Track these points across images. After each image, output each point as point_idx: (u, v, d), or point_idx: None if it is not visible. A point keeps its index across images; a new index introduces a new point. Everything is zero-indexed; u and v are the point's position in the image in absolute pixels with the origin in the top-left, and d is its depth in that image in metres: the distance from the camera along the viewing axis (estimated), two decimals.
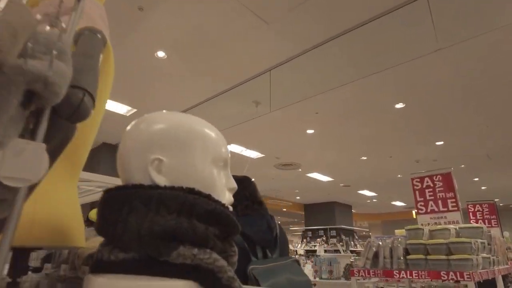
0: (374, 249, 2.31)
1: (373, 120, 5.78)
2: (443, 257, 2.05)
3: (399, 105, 5.19)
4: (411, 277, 2.05)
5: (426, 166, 8.47)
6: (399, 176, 9.87)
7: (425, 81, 4.48)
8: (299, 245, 14.26)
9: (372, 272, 2.28)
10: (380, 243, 2.30)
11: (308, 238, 14.24)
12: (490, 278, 2.24)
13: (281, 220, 21.54)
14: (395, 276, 2.13)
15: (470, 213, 7.13)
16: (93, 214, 2.42)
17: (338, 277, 5.55)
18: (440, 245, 2.10)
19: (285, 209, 14.94)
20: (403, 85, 4.63)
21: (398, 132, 6.34)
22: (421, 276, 2.03)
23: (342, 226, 13.43)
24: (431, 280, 2.11)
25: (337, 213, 14.12)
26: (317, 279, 5.68)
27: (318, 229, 14.00)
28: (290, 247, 14.77)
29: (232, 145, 7.19)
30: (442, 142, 6.88)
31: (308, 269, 6.06)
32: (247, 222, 1.01)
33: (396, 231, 2.61)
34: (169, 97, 5.12)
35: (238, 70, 4.32)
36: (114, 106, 5.43)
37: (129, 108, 5.52)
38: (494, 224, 6.80)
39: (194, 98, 5.10)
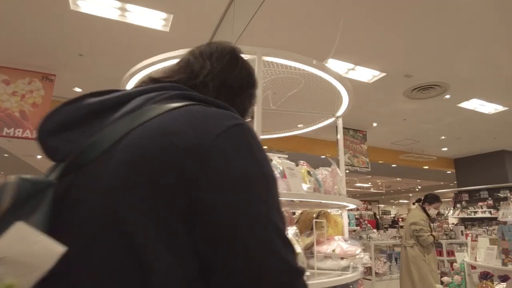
0: None
1: None
2: None
3: None
4: None
5: None
6: None
7: None
8: (451, 211, 10.74)
9: None
10: None
11: (463, 202, 10.59)
12: None
13: (421, 184, 17.46)
14: None
15: None
16: None
17: None
18: None
19: (426, 167, 11.45)
20: None
21: None
22: None
23: None
24: None
25: (509, 167, 9.94)
26: (509, 266, 2.95)
27: (478, 190, 10.18)
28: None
29: (330, 60, 4.77)
30: None
31: (484, 247, 3.33)
32: None
33: None
34: None
35: None
36: (148, 17, 3.80)
37: (165, 14, 3.79)
38: None
39: None
